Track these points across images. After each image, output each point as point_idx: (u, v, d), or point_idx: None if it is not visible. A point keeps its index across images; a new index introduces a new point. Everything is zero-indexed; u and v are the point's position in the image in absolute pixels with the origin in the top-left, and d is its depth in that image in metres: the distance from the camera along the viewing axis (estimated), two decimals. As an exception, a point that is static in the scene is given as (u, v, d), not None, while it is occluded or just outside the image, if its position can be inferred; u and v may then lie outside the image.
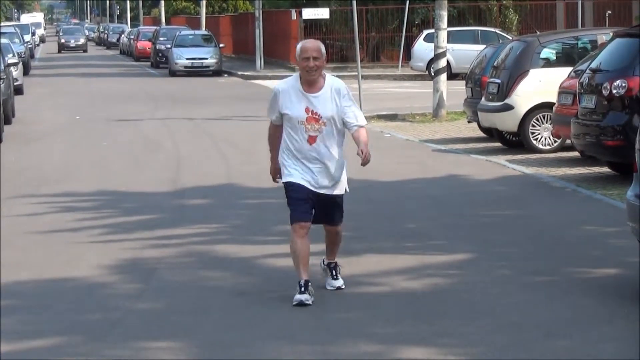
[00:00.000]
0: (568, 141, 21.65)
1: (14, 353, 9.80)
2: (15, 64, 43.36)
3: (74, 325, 10.73)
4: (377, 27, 59.59)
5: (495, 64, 25.92)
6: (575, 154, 21.22)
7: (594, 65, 19.72)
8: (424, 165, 22.53)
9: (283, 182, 9.10)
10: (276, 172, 9.44)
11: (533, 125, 23.76)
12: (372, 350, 8.69)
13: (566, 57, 23.99)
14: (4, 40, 48.95)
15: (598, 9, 47.83)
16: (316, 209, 9.15)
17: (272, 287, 9.58)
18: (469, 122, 27.82)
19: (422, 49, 46.30)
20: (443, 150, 25.00)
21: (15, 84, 40.14)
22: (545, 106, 23.18)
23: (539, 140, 23.67)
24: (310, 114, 8.90)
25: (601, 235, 14.13)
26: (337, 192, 9.46)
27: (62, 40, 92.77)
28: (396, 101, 37.96)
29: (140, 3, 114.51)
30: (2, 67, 34.47)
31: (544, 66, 24.29)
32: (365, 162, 9.43)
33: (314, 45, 9.13)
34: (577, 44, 24.68)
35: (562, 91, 21.53)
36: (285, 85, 9.21)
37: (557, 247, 13.88)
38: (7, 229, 16.41)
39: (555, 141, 23.20)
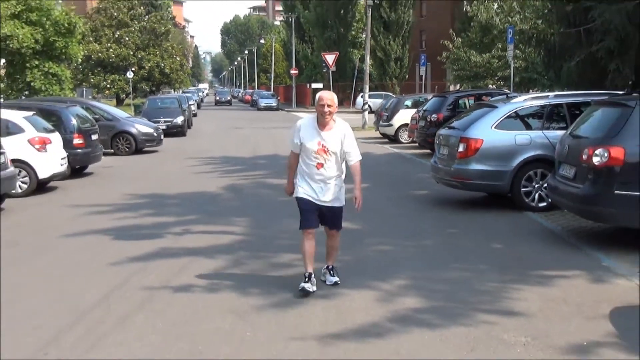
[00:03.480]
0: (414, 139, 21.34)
1: (174, 223, 9.78)
2: (192, 105, 43.06)
3: (203, 211, 10.77)
4: (342, 91, 58.93)
5: (386, 106, 25.40)
6: (416, 145, 20.72)
7: (424, 107, 19.54)
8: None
9: (295, 197, 6.37)
10: (291, 191, 6.39)
11: (400, 132, 23.36)
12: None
13: (415, 104, 23.32)
14: (189, 94, 48.84)
15: (433, 85, 47.05)
16: (320, 216, 6.30)
17: (291, 200, 9.47)
18: (376, 131, 27.43)
19: (360, 100, 45.49)
20: (364, 142, 24.45)
21: (193, 112, 40.15)
22: (406, 125, 22.63)
23: (403, 138, 23.19)
24: (320, 147, 6.06)
25: (423, 178, 13.84)
26: (336, 204, 6.28)
27: (217, 98, 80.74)
28: (348, 122, 37.72)
29: (247, 79, 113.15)
30: (188, 107, 34.37)
31: (406, 108, 23.63)
32: (359, 207, 6.36)
33: (329, 95, 6.27)
34: (420, 99, 24.08)
35: (412, 118, 21.09)
36: (305, 122, 6.28)
37: (405, 183, 13.77)
38: (181, 171, 16.27)
39: (410, 139, 22.51)
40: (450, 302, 5.90)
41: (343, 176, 6.31)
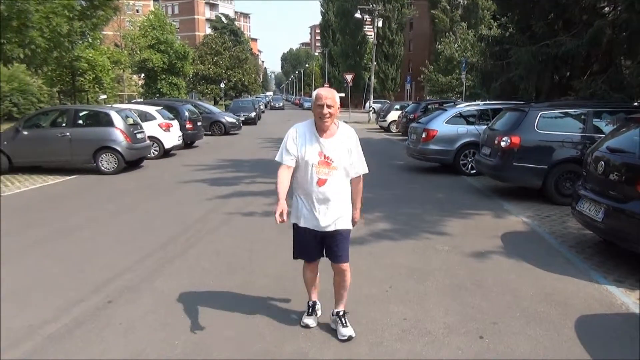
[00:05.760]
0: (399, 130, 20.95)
1: (245, 177, 9.61)
2: (261, 105, 41.89)
3: (263, 170, 10.56)
4: (356, 99, 57.29)
5: (383, 109, 25.22)
6: (400, 133, 20.08)
7: (406, 110, 19.19)
8: (363, 135, 21.25)
9: (292, 222, 3.18)
10: (282, 212, 2.79)
11: (391, 125, 23.03)
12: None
13: (401, 108, 22.71)
14: (259, 99, 48.53)
15: (415, 96, 45.78)
16: (323, 244, 3.14)
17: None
18: (376, 124, 26.87)
19: (367, 105, 44.56)
20: (369, 131, 23.96)
21: (261, 110, 39.36)
22: (394, 121, 22.38)
23: (392, 129, 22.78)
24: (322, 158, 3.04)
25: (402, 153, 13.05)
26: (340, 226, 3.06)
27: (272, 104, 63.16)
28: (359, 118, 37.13)
29: (297, 90, 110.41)
30: (258, 106, 33.87)
31: (395, 110, 23.34)
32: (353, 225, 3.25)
33: (329, 92, 3.01)
34: (404, 105, 23.27)
35: (399, 116, 20.83)
36: (301, 129, 3.10)
37: (390, 156, 13.27)
38: (252, 146, 15.91)
39: (397, 129, 22.00)
40: (406, 226, 6.03)
41: (349, 194, 3.25)
